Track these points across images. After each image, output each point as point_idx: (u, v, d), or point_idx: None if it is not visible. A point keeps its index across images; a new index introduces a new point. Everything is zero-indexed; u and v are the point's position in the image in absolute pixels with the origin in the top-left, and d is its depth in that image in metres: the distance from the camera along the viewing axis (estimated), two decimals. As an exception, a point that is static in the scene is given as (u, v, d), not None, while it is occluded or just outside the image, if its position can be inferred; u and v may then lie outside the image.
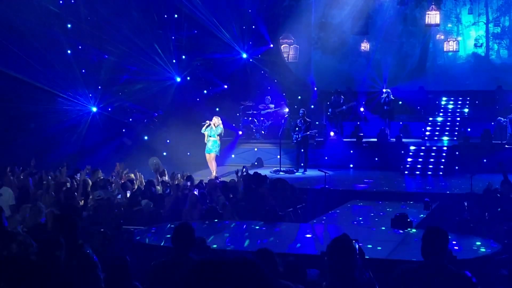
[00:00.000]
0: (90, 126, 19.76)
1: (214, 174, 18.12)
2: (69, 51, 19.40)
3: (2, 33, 16.75)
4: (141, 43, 20.52)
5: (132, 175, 15.28)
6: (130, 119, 21.45)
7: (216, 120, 18.70)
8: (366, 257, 5.32)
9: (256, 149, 22.07)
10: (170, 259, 5.84)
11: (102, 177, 14.27)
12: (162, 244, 9.35)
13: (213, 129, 18.52)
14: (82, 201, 12.12)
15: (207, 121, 18.66)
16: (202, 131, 18.64)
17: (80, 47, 19.66)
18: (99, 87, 20.17)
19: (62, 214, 7.43)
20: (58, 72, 18.43)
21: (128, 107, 21.15)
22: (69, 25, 19.26)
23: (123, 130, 21.06)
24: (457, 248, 8.85)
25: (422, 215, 12.96)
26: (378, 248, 9.12)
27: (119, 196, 12.88)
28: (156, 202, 12.47)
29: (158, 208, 12.18)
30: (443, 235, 5.22)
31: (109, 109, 20.49)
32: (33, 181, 13.61)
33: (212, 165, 18.69)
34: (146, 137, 21.24)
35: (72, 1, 19.22)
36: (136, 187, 14.16)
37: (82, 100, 19.47)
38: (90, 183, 13.18)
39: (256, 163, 21.15)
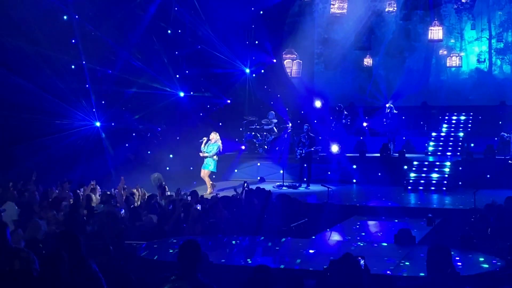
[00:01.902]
0: (94, 141, 19.80)
1: (209, 190, 18.07)
2: (73, 66, 19.50)
3: (4, 49, 16.84)
4: (144, 58, 20.62)
5: (134, 190, 15.30)
6: (133, 134, 21.49)
7: (214, 135, 18.66)
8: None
9: (259, 164, 22.07)
10: (176, 276, 5.74)
11: (107, 192, 14.31)
12: (164, 259, 9.33)
13: (209, 146, 18.47)
14: (86, 215, 12.13)
15: (204, 138, 18.66)
16: (202, 148, 18.62)
17: (84, 62, 19.75)
18: (103, 102, 20.23)
19: (65, 230, 7.41)
20: (62, 87, 18.50)
21: (131, 122, 21.20)
22: (73, 40, 19.37)
23: (127, 145, 21.09)
24: (460, 264, 8.83)
25: (425, 231, 12.92)
26: (381, 264, 9.10)
27: (122, 211, 12.89)
28: (159, 217, 12.46)
29: (161, 223, 12.18)
30: (446, 251, 5.21)
31: (113, 123, 20.55)
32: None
33: (207, 182, 18.63)
34: (149, 152, 21.27)
35: (76, 16, 19.32)
36: (138, 202, 14.18)
37: (85, 115, 19.53)
38: (94, 198, 13.21)
39: (259, 178, 21.14)
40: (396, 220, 14.50)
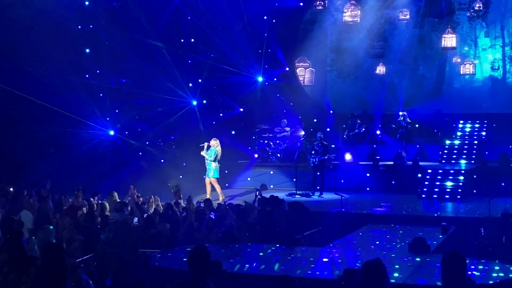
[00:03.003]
0: (108, 150, 19.90)
1: (221, 198, 18.07)
2: (87, 76, 19.62)
3: (21, 57, 16.98)
4: (157, 67, 20.71)
5: (149, 198, 15.33)
6: (147, 143, 21.57)
7: (214, 142, 18.67)
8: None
9: (271, 172, 22.07)
10: (185, 282, 5.81)
11: (118, 200, 14.34)
12: (178, 267, 9.34)
13: (205, 154, 18.46)
14: (100, 224, 12.17)
15: (205, 143, 18.65)
16: (202, 153, 18.61)
17: (98, 71, 19.87)
18: (117, 111, 20.33)
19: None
20: (77, 96, 18.63)
21: (145, 130, 21.28)
22: (87, 50, 19.50)
23: (140, 154, 21.17)
24: (475, 273, 8.77)
25: (439, 240, 12.84)
26: (395, 273, 9.05)
27: (136, 220, 12.92)
28: (174, 225, 12.47)
29: (174, 231, 12.19)
30: (462, 259, 5.18)
31: (126, 132, 20.63)
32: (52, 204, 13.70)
33: (217, 188, 18.61)
34: (162, 160, 21.33)
35: (91, 26, 19.47)
36: (152, 210, 14.20)
37: (100, 124, 19.63)
38: (108, 206, 13.24)
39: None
40: (410, 229, 14.41)
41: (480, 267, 9.37)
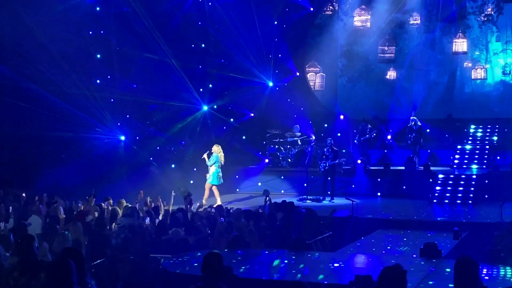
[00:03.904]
0: (118, 155, 19.95)
1: (218, 202, 18.05)
2: (98, 81, 19.71)
3: (32, 63, 17.08)
4: (168, 72, 20.77)
5: (159, 203, 15.35)
6: (158, 148, 21.61)
7: (216, 148, 18.65)
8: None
9: (282, 177, 22.05)
10: (199, 287, 5.82)
11: (129, 205, 14.37)
12: (190, 272, 9.34)
13: (207, 159, 18.45)
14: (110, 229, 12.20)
15: (205, 155, 18.61)
16: (207, 162, 18.59)
17: (109, 76, 19.95)
18: (127, 116, 20.39)
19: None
20: (88, 102, 18.70)
21: (155, 135, 21.33)
22: (98, 55, 19.59)
23: (151, 159, 21.21)
24: (488, 278, 8.71)
25: (451, 245, 12.78)
26: (408, 278, 8.99)
27: (148, 220, 12.93)
28: (186, 231, 12.49)
29: (186, 236, 12.20)
30: (474, 264, 5.15)
31: (137, 137, 20.69)
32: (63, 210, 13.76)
33: (207, 194, 18.57)
34: (173, 165, 21.37)
35: (102, 32, 19.56)
36: (162, 214, 14.23)
37: (110, 129, 19.70)
38: (120, 211, 13.28)
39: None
40: (421, 234, 14.35)
41: (493, 272, 9.31)
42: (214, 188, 18.63)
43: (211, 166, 18.45)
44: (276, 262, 10.63)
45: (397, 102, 25.41)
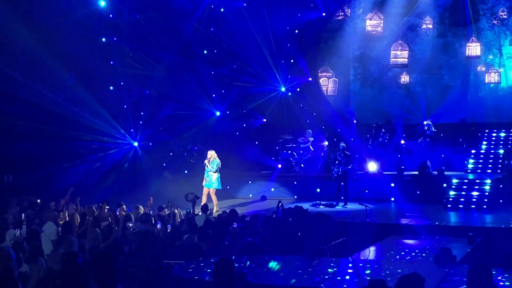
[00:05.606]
0: (132, 161, 20.02)
1: (216, 208, 18.00)
2: (111, 87, 19.79)
3: (43, 68, 17.18)
4: (181, 78, 20.82)
5: (175, 210, 15.38)
6: (171, 154, 21.66)
7: (212, 153, 18.62)
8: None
9: (295, 182, 22.01)
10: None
11: (146, 211, 14.41)
12: (202, 278, 9.34)
13: (209, 165, 18.41)
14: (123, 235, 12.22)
15: (206, 161, 18.58)
16: (210, 169, 18.55)
17: (122, 83, 20.04)
18: (140, 122, 20.47)
19: (102, 251, 7.32)
20: (101, 108, 18.79)
21: (168, 141, 21.38)
22: (111, 62, 19.68)
23: (164, 165, 21.26)
24: (503, 284, 8.64)
25: (466, 250, 12.69)
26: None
27: (159, 225, 12.94)
28: (199, 236, 12.49)
29: (200, 242, 12.19)
30: (487, 271, 5.12)
31: (150, 143, 20.75)
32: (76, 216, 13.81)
33: (214, 200, 18.53)
34: (186, 171, 21.40)
35: (115, 38, 19.65)
36: (178, 221, 14.25)
37: (124, 135, 19.77)
38: (133, 218, 13.30)
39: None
40: (435, 240, 14.28)
41: (508, 278, 9.23)
42: (213, 192, 18.57)
43: (215, 172, 18.42)
44: (289, 268, 10.61)
45: (410, 107, 25.33)
